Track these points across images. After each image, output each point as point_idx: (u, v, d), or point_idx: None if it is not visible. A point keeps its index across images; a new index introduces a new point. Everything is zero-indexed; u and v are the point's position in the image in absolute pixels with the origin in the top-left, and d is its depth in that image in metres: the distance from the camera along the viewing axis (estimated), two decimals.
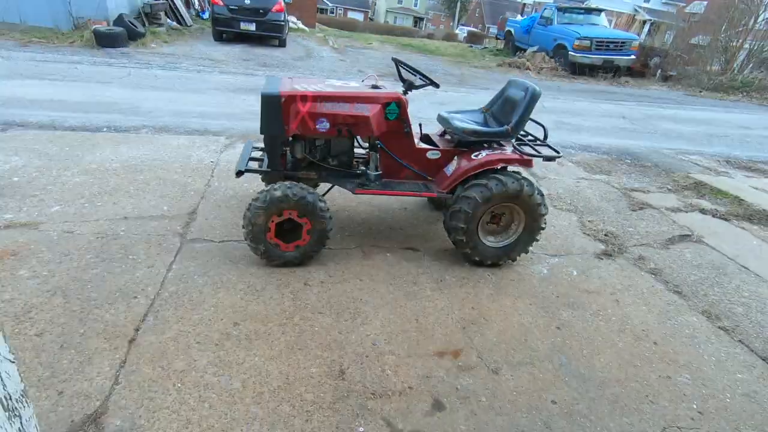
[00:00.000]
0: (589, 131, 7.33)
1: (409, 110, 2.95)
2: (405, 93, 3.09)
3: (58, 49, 8.81)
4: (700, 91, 13.25)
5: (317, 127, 2.76)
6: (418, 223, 3.65)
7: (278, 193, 2.63)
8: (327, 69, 10.24)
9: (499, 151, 3.02)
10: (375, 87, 2.99)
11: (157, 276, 2.59)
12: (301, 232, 2.75)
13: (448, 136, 3.33)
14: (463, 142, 3.09)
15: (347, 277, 2.82)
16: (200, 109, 6.00)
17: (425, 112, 7.59)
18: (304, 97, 2.71)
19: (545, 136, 3.23)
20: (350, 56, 12.77)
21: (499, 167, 2.94)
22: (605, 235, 3.84)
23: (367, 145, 3.09)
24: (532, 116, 3.11)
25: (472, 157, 2.99)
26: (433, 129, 3.53)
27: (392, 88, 3.02)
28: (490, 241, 3.09)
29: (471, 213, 2.88)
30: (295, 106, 2.70)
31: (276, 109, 2.68)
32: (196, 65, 8.80)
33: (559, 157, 2.99)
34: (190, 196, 3.63)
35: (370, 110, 2.79)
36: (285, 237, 2.77)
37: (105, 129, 4.95)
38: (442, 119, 3.27)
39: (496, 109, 3.39)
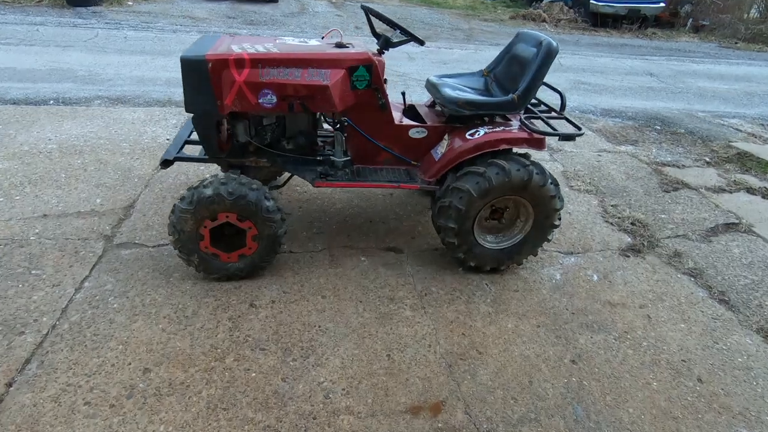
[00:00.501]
0: (612, 92, 6.46)
1: (387, 75, 2.27)
2: (380, 52, 2.39)
3: (24, 9, 8.02)
4: (737, 43, 11.93)
5: (260, 101, 2.09)
6: (404, 213, 3.02)
7: (209, 192, 2.01)
8: (320, 26, 9.29)
9: (502, 128, 2.33)
10: (341, 46, 2.29)
11: (61, 299, 2.05)
12: (245, 239, 2.16)
13: (438, 108, 2.64)
14: (455, 117, 2.40)
15: (307, 293, 2.24)
16: (168, 75, 5.30)
17: (425, 74, 6.74)
18: (239, 62, 2.03)
19: (563, 106, 2.51)
20: (348, 11, 11.68)
21: (500, 149, 2.27)
22: (632, 223, 3.17)
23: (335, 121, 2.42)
24: (546, 80, 2.40)
25: (467, 136, 2.31)
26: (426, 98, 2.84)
27: (364, 47, 2.31)
28: (489, 242, 2.46)
29: (464, 210, 2.24)
30: (229, 74, 2.03)
31: (202, 79, 2.02)
32: (173, 24, 7.96)
33: (579, 135, 2.30)
34: (131, 185, 3.04)
35: (330, 77, 2.11)
36: (227, 244, 2.18)
37: (51, 101, 4.32)
38: (430, 86, 2.57)
39: (500, 71, 2.66)
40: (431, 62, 7.12)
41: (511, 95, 2.31)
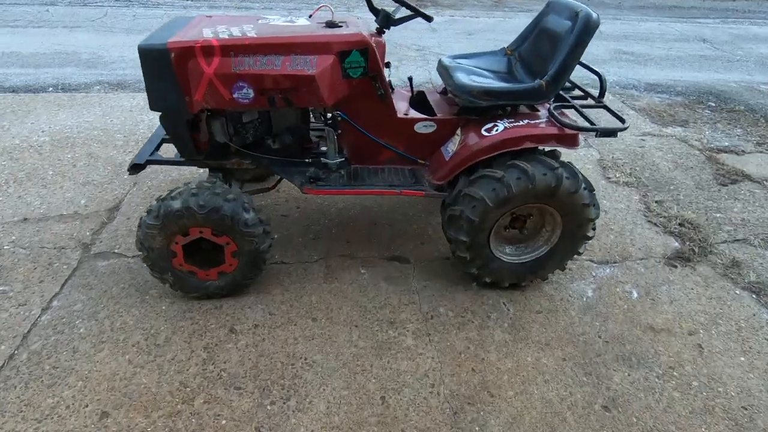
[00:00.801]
0: (658, 63, 5.76)
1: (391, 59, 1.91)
2: (380, 32, 2.01)
3: None
4: None
5: (235, 96, 1.78)
6: (414, 214, 2.69)
7: (177, 205, 1.74)
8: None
9: (526, 122, 1.94)
10: (332, 25, 1.93)
11: (24, 322, 1.86)
12: (224, 255, 1.89)
13: (451, 95, 2.25)
14: (470, 108, 2.02)
15: (295, 315, 1.98)
16: None
17: (447, 48, 6.23)
18: (207, 50, 1.71)
19: (602, 92, 2.08)
20: None
21: (523, 148, 1.88)
22: (680, 224, 2.73)
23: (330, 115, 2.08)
24: (583, 59, 1.97)
25: (483, 132, 1.93)
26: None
27: (359, 25, 1.94)
28: (508, 254, 2.11)
29: (477, 221, 1.89)
30: (196, 65, 1.72)
31: (165, 71, 1.71)
32: (183, 0, 7.65)
33: (622, 130, 1.88)
34: (120, 182, 2.82)
35: (316, 65, 1.77)
36: (204, 259, 1.93)
37: (51, 89, 4.14)
38: (442, 69, 2.18)
39: (526, 49, 2.23)
40: (454, 33, 6.56)
41: (538, 80, 1.90)
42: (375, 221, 2.61)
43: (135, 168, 1.99)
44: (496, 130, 1.91)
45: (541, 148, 1.93)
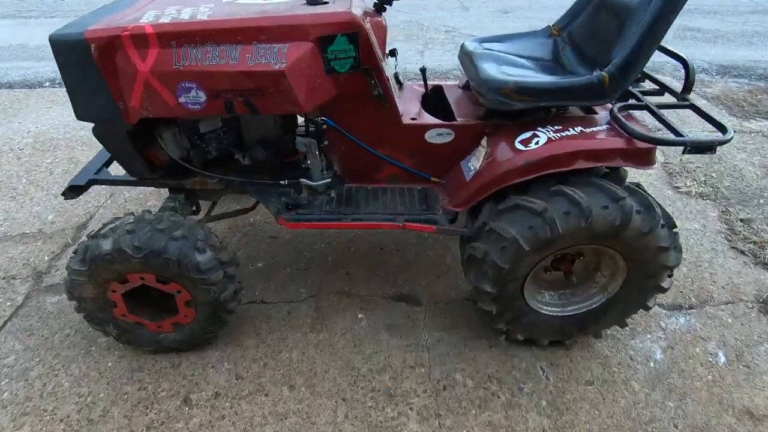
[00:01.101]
0: (732, 40, 4.89)
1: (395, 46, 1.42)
2: (379, 9, 1.51)
3: None
4: None
5: (182, 101, 1.33)
6: (429, 236, 2.19)
7: (106, 247, 1.33)
8: None
9: (579, 129, 1.40)
10: (315, 1, 1.44)
11: None
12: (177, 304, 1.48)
13: (476, 92, 1.72)
14: (500, 110, 1.49)
15: (268, 379, 1.55)
16: None
17: (480, 29, 5.50)
18: (138, 39, 1.27)
19: (687, 85, 1.49)
20: None
21: (575, 169, 1.35)
22: None
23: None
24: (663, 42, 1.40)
25: (518, 143, 1.41)
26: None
27: (358, 1, 1.45)
28: (548, 304, 1.59)
29: (507, 269, 1.39)
30: (126, 60, 1.28)
31: (86, 70, 1.29)
32: None
33: (724, 142, 1.30)
34: (95, 193, 2.47)
35: (286, 56, 1.29)
36: (157, 306, 1.53)
37: (47, 83, 3.88)
38: (465, 56, 1.66)
39: (579, 28, 1.67)
40: (488, 11, 5.88)
41: (597, 72, 1.35)
42: (381, 245, 2.14)
43: (73, 190, 1.60)
44: (537, 143, 1.38)
45: (599, 167, 1.39)
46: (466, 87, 1.83)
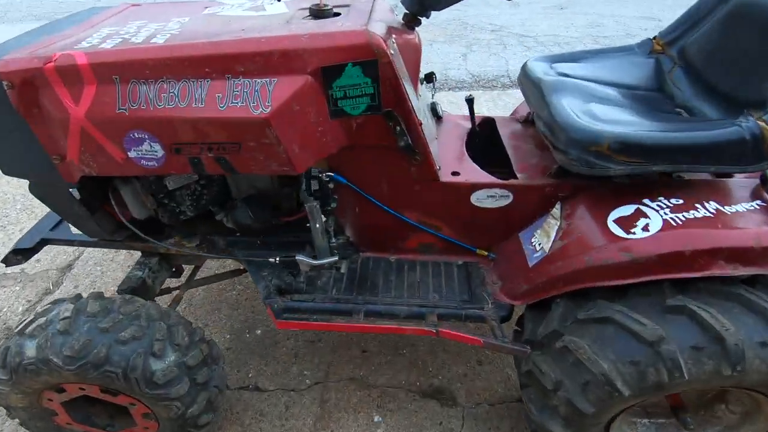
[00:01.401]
0: None
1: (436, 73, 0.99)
2: (411, 24, 1.08)
3: None
4: None
5: (132, 156, 0.96)
6: None
7: (30, 352, 0.98)
8: None
9: (714, 207, 0.91)
10: (319, 14, 1.02)
11: None
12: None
13: (547, 141, 1.24)
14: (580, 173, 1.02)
15: None
16: None
17: (532, 28, 4.86)
18: (67, 72, 0.90)
19: None
20: None
21: (702, 276, 0.86)
22: None
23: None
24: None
25: (612, 225, 0.94)
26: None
27: (381, 14, 1.02)
28: None
29: (591, 414, 0.93)
30: (54, 101, 0.92)
31: (2, 114, 0.94)
32: None
33: None
34: None
35: (272, 97, 0.88)
36: (113, 408, 1.18)
37: None
38: (531, 84, 1.20)
39: (698, 44, 1.16)
40: (541, 7, 5.25)
41: (749, 118, 0.86)
42: None
43: (18, 255, 1.27)
44: (646, 227, 0.91)
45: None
46: (527, 121, 1.37)
